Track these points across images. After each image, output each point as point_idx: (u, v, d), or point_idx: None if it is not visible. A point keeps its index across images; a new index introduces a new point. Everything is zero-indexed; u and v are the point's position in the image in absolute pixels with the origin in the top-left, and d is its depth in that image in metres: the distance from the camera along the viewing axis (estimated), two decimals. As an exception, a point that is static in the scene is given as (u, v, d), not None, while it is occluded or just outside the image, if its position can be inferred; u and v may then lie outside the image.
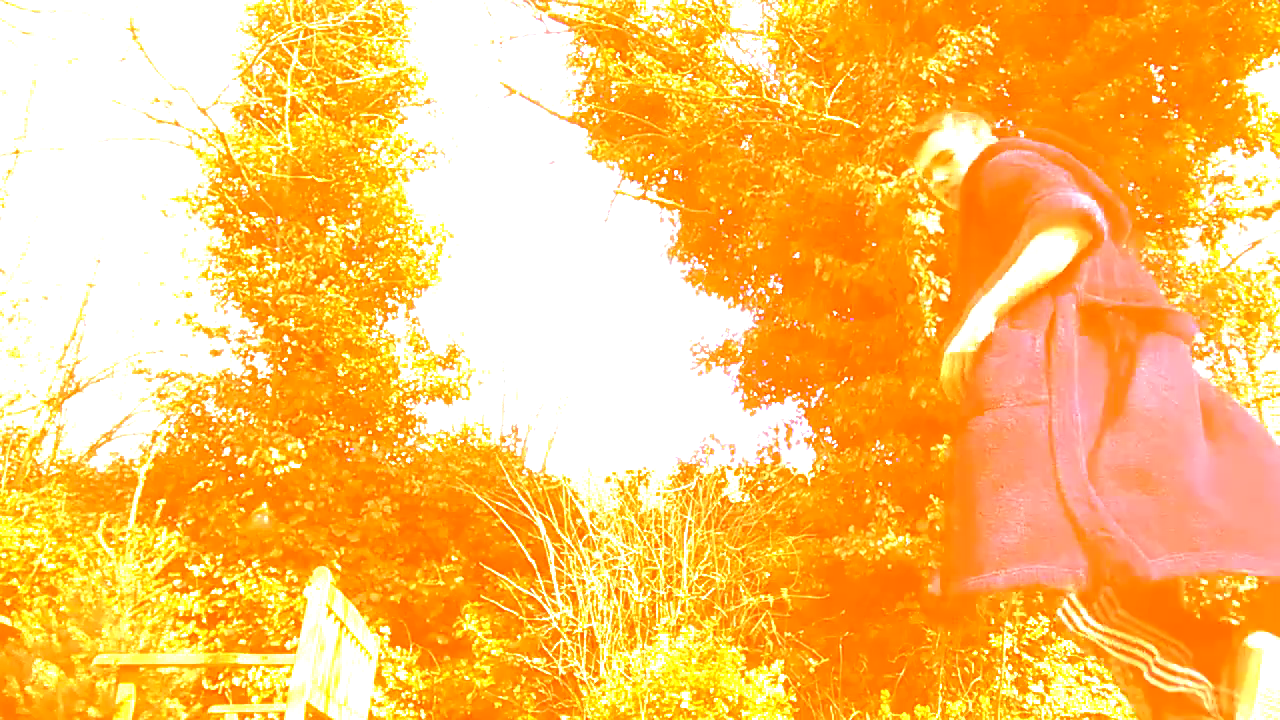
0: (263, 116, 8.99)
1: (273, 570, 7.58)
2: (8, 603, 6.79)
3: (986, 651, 6.55)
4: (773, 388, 9.23)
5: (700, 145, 8.61)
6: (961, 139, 2.30)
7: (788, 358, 8.55)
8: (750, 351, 8.94)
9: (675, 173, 9.46)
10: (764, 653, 6.56)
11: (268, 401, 8.31)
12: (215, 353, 8.58)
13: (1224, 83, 6.95)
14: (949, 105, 2.41)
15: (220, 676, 6.99)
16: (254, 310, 8.44)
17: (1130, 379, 1.86)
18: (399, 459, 8.99)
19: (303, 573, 7.50)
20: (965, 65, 7.08)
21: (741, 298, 9.33)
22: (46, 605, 6.34)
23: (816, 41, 9.30)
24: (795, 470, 8.59)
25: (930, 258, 6.84)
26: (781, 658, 6.31)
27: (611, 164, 9.61)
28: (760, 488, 8.50)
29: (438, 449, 9.12)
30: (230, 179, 8.81)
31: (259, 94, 8.97)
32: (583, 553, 7.16)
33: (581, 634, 6.95)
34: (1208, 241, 7.44)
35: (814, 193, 7.66)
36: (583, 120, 10.01)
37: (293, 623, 7.18)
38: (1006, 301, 1.95)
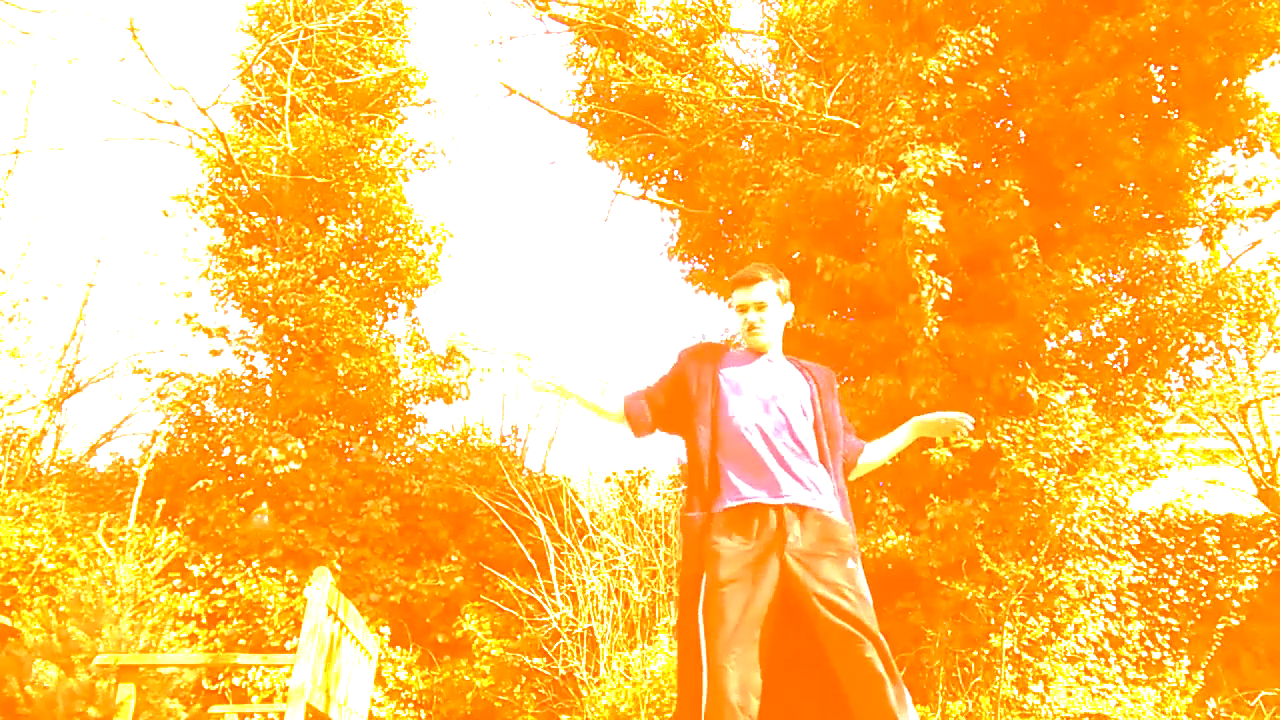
0: (263, 116, 8.99)
1: (273, 570, 7.58)
2: (8, 603, 6.79)
3: (986, 651, 6.55)
4: (773, 388, 9.21)
5: (700, 145, 8.60)
6: (776, 299, 2.91)
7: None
8: (750, 351, 8.94)
9: (675, 173, 9.45)
10: (764, 653, 6.54)
11: (268, 401, 8.31)
12: (215, 353, 8.57)
13: (1224, 83, 6.94)
14: (772, 271, 2.98)
15: (220, 676, 6.99)
16: (254, 310, 8.43)
17: None
18: (399, 459, 8.99)
19: (303, 573, 7.50)
20: (965, 65, 7.07)
21: (742, 298, 9.32)
22: (46, 605, 6.34)
23: (816, 41, 9.29)
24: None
25: (931, 257, 6.83)
26: (781, 658, 6.30)
27: (611, 164, 9.61)
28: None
29: (438, 449, 9.12)
30: (230, 179, 8.81)
31: (259, 94, 8.96)
32: (583, 553, 7.16)
33: (581, 634, 6.95)
34: (1208, 241, 7.44)
35: (814, 192, 7.66)
36: (583, 120, 10.00)
37: (293, 623, 7.18)
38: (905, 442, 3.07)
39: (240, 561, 7.58)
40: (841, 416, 2.96)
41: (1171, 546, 7.90)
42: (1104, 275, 7.48)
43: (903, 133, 7.09)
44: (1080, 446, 6.52)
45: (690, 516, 2.69)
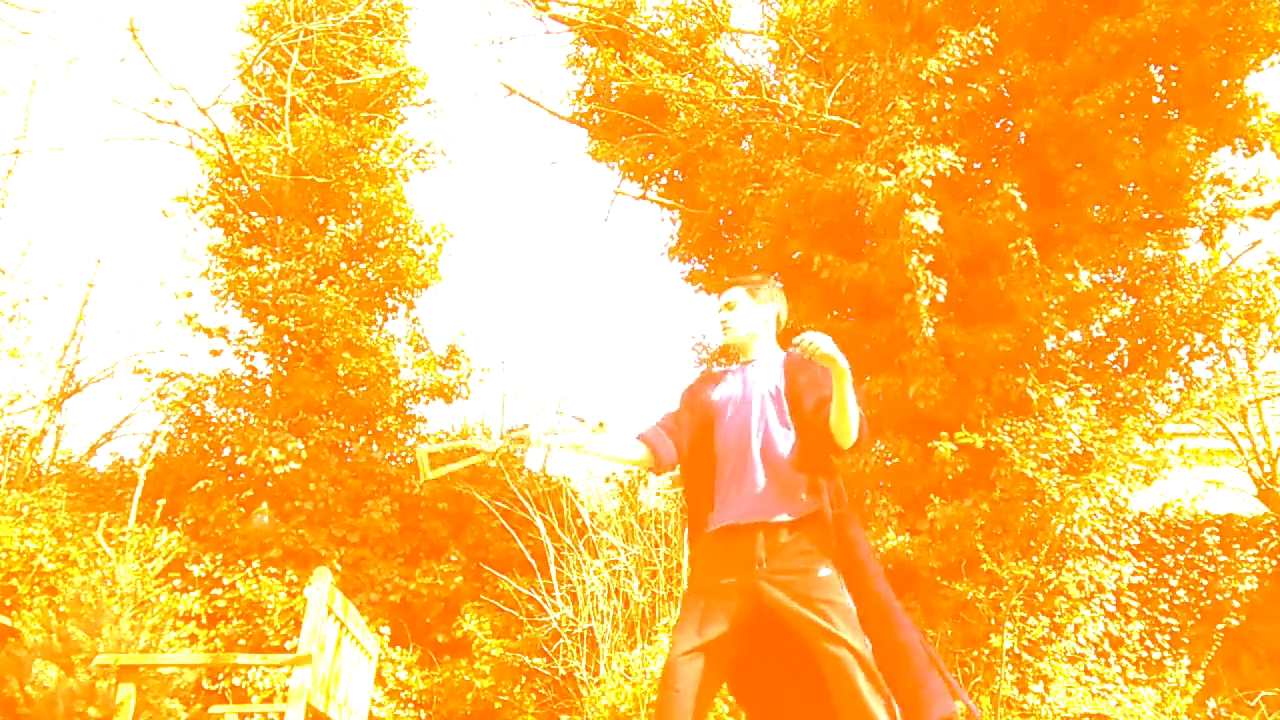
0: (263, 116, 8.99)
1: (273, 570, 7.58)
2: (8, 603, 6.79)
3: (986, 651, 6.55)
4: (773, 388, 9.22)
5: (700, 145, 8.60)
6: (747, 297, 3.02)
7: (787, 358, 8.55)
8: (750, 351, 8.94)
9: (675, 173, 9.45)
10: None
11: (268, 401, 8.31)
12: (215, 353, 8.57)
13: (1224, 83, 6.94)
14: (758, 278, 3.13)
15: (220, 676, 6.99)
16: (254, 310, 8.43)
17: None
18: (399, 459, 8.99)
19: (303, 573, 7.50)
20: (965, 66, 7.07)
21: (741, 298, 9.32)
22: (46, 605, 6.34)
23: (816, 41, 9.29)
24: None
25: (929, 257, 6.84)
26: (781, 658, 6.30)
27: (611, 164, 9.60)
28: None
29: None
30: (230, 179, 8.81)
31: (259, 94, 8.96)
32: (582, 553, 7.15)
33: (581, 634, 6.95)
34: (1208, 241, 7.43)
35: (814, 192, 7.66)
36: (583, 120, 10.00)
37: (293, 623, 7.18)
38: (850, 390, 2.58)
39: (240, 561, 7.58)
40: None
41: (1171, 546, 7.89)
42: (1104, 276, 7.48)
43: (902, 133, 7.09)
44: (1081, 447, 6.53)
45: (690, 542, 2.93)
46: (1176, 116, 7.03)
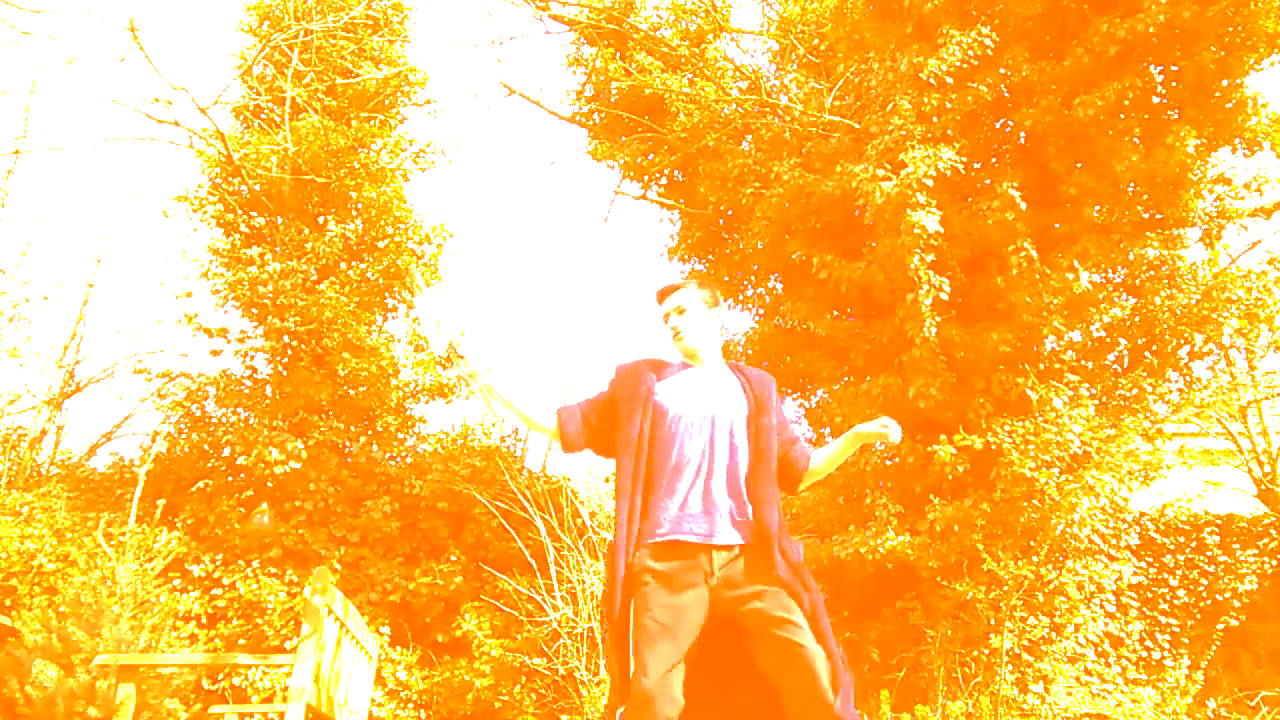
0: (263, 116, 8.99)
1: (273, 570, 7.58)
2: (8, 603, 6.79)
3: (986, 651, 6.55)
4: (773, 388, 9.22)
5: (700, 145, 8.61)
6: (700, 303, 2.93)
7: (788, 358, 8.56)
8: (750, 352, 8.95)
9: (675, 173, 9.45)
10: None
11: (268, 401, 8.31)
12: (215, 353, 8.57)
13: (1224, 83, 6.94)
14: (699, 277, 3.16)
15: (220, 676, 6.99)
16: (254, 310, 8.43)
17: None
18: (399, 459, 8.99)
19: (303, 573, 7.50)
20: (965, 65, 7.07)
21: (741, 298, 9.34)
22: (46, 605, 6.34)
23: (816, 41, 9.29)
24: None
25: (930, 257, 6.84)
26: (781, 658, 6.30)
27: (611, 164, 9.61)
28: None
29: (438, 449, 9.12)
30: (230, 179, 8.81)
31: (259, 94, 8.96)
32: (582, 553, 7.16)
33: (581, 634, 6.95)
34: (1208, 241, 7.44)
35: (814, 192, 7.67)
36: (582, 120, 10.01)
37: (293, 623, 7.18)
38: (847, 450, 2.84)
39: (240, 561, 7.58)
40: (792, 424, 2.95)
41: (1171, 546, 7.90)
42: (1104, 276, 7.48)
43: (903, 133, 7.09)
44: (1080, 447, 6.53)
45: (617, 546, 2.66)
46: (1176, 117, 7.04)
